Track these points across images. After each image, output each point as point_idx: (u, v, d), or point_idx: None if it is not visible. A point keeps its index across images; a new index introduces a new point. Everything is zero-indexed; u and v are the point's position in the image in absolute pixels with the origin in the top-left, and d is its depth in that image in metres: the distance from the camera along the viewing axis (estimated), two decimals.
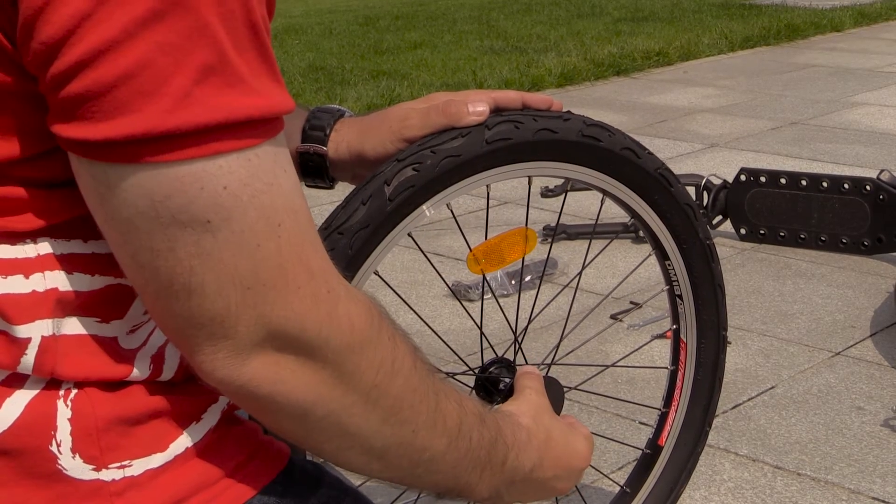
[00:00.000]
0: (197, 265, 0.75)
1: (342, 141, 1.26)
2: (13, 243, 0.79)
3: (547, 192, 3.93)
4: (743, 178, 3.48)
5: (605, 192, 1.35)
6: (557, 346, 1.50)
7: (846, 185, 3.32)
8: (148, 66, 0.69)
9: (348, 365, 0.82)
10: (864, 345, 2.78)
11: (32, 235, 0.79)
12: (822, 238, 3.40)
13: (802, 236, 3.43)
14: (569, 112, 1.28)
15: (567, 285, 1.61)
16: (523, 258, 1.35)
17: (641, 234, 3.42)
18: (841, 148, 4.64)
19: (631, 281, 3.11)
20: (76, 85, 0.70)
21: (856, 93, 5.74)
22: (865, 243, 3.32)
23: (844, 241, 3.36)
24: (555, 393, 1.26)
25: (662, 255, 1.43)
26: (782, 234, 3.46)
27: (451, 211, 1.29)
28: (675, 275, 1.44)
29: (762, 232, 3.48)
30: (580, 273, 1.55)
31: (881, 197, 3.26)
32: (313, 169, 1.28)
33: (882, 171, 3.35)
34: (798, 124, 5.10)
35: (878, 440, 2.32)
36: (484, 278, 1.45)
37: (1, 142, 0.76)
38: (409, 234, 1.23)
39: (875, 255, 3.35)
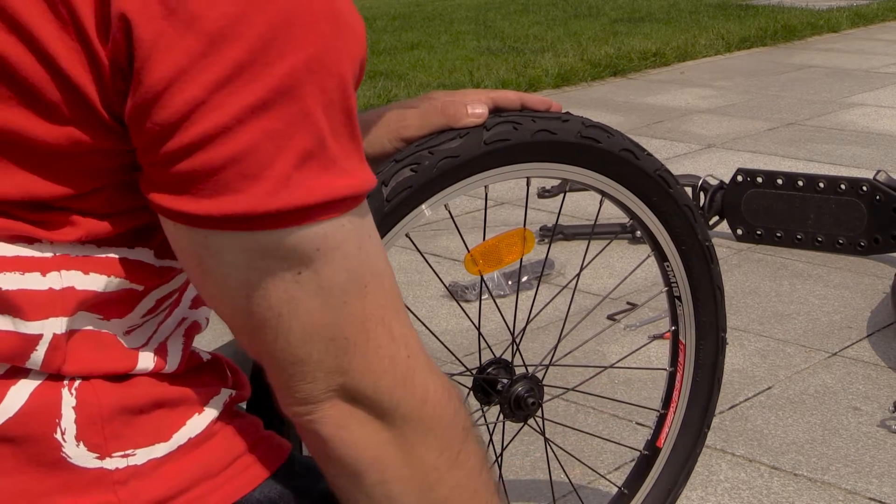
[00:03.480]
0: (286, 312, 0.79)
1: None
2: (30, 243, 0.80)
3: (544, 193, 3.93)
4: (739, 178, 3.48)
5: (603, 194, 1.35)
6: (556, 348, 1.50)
7: (843, 186, 3.32)
8: (254, 151, 0.74)
9: (414, 435, 0.84)
10: (861, 345, 2.78)
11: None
12: (819, 239, 3.40)
13: (799, 237, 3.43)
14: (567, 113, 1.28)
15: (565, 286, 1.61)
16: (521, 259, 1.35)
17: (639, 234, 3.42)
18: (838, 148, 4.64)
19: (628, 281, 3.11)
20: (186, 164, 0.74)
21: (852, 93, 5.75)
22: (862, 244, 3.33)
23: (841, 241, 3.36)
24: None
25: (661, 257, 1.43)
26: (779, 234, 3.46)
27: (449, 212, 1.29)
28: (674, 276, 1.44)
29: (759, 232, 3.49)
30: (578, 274, 1.55)
31: (878, 197, 3.26)
32: None
33: (878, 171, 3.35)
34: (795, 125, 5.10)
35: (874, 440, 2.32)
36: (482, 279, 1.45)
37: (56, 183, 0.79)
38: (407, 235, 1.23)
39: (872, 256, 3.36)
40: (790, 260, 3.39)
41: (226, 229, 0.76)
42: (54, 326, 0.80)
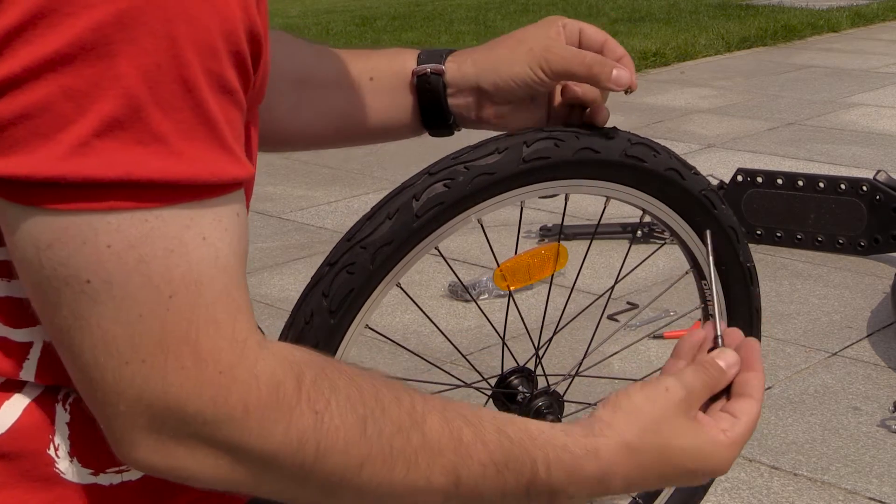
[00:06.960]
0: (75, 327, 0.69)
1: (465, 60, 1.16)
2: None
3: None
4: (739, 178, 3.49)
5: (644, 211, 1.30)
6: (581, 363, 1.48)
7: (843, 186, 3.33)
8: (48, 108, 0.66)
9: (250, 450, 0.73)
10: (861, 345, 2.79)
11: None
12: (819, 238, 3.40)
13: (799, 237, 3.43)
14: (614, 129, 1.20)
15: (601, 295, 1.58)
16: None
17: (639, 234, 3.41)
18: (837, 148, 4.65)
19: (628, 281, 3.11)
20: None
21: (852, 93, 5.75)
22: (862, 244, 3.33)
23: (841, 241, 3.36)
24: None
25: (699, 276, 1.39)
26: (779, 234, 3.46)
27: (482, 225, 1.26)
28: (711, 296, 1.39)
29: (759, 232, 3.49)
30: (613, 286, 1.54)
31: (878, 197, 3.27)
32: (430, 93, 1.17)
33: (878, 171, 3.36)
34: (795, 125, 5.10)
35: (874, 440, 2.32)
36: (510, 295, 1.41)
37: None
38: (437, 248, 1.19)
39: (872, 256, 3.36)
40: (790, 260, 3.39)
41: (15, 200, 0.68)
42: (42, 334, 0.77)
